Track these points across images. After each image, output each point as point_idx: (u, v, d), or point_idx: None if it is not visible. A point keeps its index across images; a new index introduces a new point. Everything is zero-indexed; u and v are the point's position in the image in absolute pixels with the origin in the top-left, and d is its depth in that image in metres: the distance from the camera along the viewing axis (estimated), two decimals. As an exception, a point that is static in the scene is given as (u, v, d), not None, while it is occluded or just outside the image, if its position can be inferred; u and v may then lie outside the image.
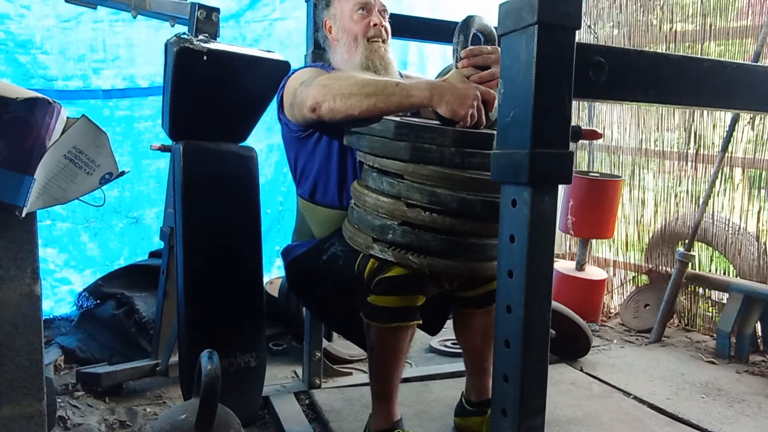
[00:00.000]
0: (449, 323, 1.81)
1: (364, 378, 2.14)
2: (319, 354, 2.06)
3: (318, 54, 1.88)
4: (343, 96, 1.42)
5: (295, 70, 1.72)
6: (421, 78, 1.94)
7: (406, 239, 1.39)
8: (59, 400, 1.90)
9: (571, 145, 0.93)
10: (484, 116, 1.41)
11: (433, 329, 1.82)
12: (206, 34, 1.85)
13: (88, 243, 2.73)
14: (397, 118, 1.47)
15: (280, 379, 2.22)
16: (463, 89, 1.38)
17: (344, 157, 1.69)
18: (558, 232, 3.16)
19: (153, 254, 2.66)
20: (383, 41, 1.72)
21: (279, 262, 3.08)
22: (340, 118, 1.45)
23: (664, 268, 3.06)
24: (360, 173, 1.61)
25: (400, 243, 1.40)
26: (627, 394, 2.11)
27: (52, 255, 2.64)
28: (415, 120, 1.55)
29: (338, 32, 1.73)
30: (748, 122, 2.73)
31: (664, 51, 2.73)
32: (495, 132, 1.37)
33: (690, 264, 2.77)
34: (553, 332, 2.31)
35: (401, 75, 1.83)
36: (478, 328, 1.67)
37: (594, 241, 3.27)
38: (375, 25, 1.70)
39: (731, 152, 2.73)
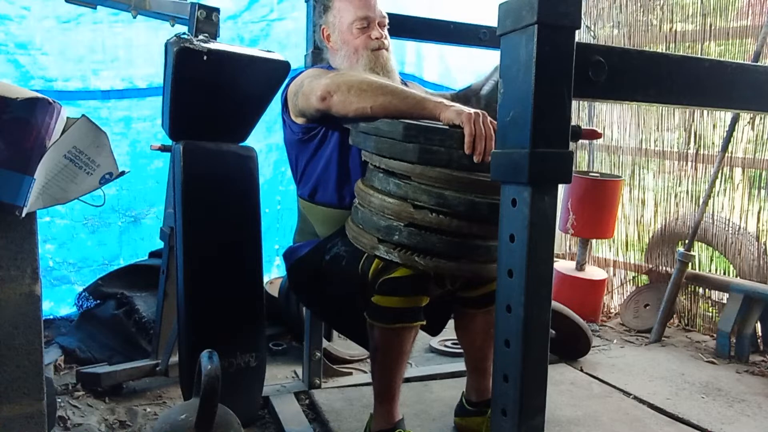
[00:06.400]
0: (449, 323, 1.81)
1: (364, 378, 2.14)
2: (319, 354, 2.06)
3: (318, 54, 1.88)
4: (360, 90, 1.41)
5: (299, 72, 1.71)
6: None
7: (412, 241, 1.39)
8: (59, 400, 1.90)
9: (571, 145, 0.93)
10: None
11: (434, 330, 1.82)
12: (206, 34, 1.84)
13: (86, 241, 2.73)
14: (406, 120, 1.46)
15: (280, 379, 2.22)
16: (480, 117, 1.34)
17: (346, 158, 1.68)
18: (558, 232, 3.16)
19: (153, 254, 2.66)
20: (386, 49, 1.72)
21: (279, 261, 3.08)
22: (352, 111, 1.44)
23: (664, 268, 3.06)
24: (363, 173, 1.61)
25: (406, 244, 1.40)
26: (627, 394, 2.11)
27: (51, 251, 2.65)
28: (423, 122, 1.55)
29: (337, 42, 1.72)
30: (748, 122, 2.73)
31: (664, 51, 2.74)
32: None
33: (690, 264, 2.77)
34: (553, 332, 2.31)
35: (404, 83, 1.83)
36: (479, 328, 1.67)
37: (594, 241, 3.27)
38: (376, 39, 1.69)
39: (731, 152, 2.73)
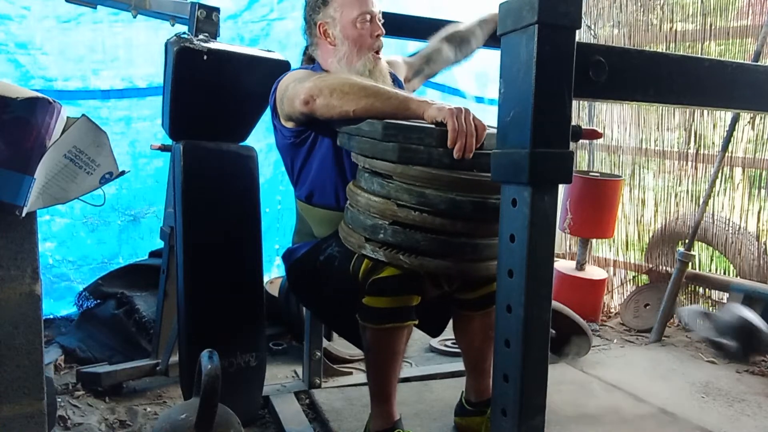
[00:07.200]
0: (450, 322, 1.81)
1: (365, 377, 2.13)
2: (319, 353, 2.06)
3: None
4: (342, 93, 1.41)
5: (283, 76, 1.71)
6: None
7: (396, 239, 1.39)
8: (59, 400, 1.90)
9: (571, 145, 0.93)
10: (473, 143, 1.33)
11: (435, 331, 1.82)
12: (206, 34, 1.84)
13: (86, 239, 2.74)
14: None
15: (280, 378, 2.22)
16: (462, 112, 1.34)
17: (339, 159, 1.68)
18: (558, 232, 3.16)
19: (153, 254, 2.66)
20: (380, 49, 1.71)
21: (279, 261, 3.08)
22: (336, 114, 1.44)
23: (664, 267, 3.06)
24: (356, 173, 1.60)
25: (391, 243, 1.40)
26: (627, 393, 2.10)
27: (50, 249, 2.65)
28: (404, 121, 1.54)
29: (337, 38, 1.68)
30: (748, 122, 2.73)
31: (664, 51, 2.73)
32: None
33: (690, 264, 2.77)
34: (553, 332, 2.31)
35: (394, 79, 1.82)
36: (477, 330, 1.67)
37: (594, 240, 3.27)
38: (378, 35, 1.68)
39: (731, 152, 2.73)
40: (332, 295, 1.63)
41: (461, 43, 2.03)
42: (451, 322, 1.77)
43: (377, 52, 1.69)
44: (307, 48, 1.80)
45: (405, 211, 1.37)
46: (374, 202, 1.42)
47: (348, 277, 1.50)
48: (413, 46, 3.28)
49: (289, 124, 1.67)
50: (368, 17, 1.67)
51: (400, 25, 1.95)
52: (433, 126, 1.36)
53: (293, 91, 1.52)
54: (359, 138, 1.44)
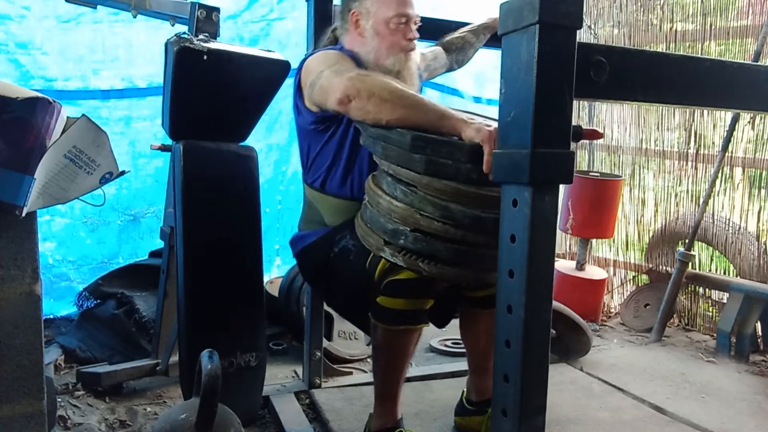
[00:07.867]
0: (454, 322, 1.81)
1: (365, 377, 2.14)
2: (319, 353, 2.06)
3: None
4: (381, 99, 1.37)
5: (312, 53, 1.67)
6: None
7: (417, 246, 1.38)
8: (59, 400, 1.90)
9: (572, 145, 0.93)
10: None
11: (440, 323, 1.81)
12: (206, 34, 1.84)
13: (86, 239, 2.74)
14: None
15: (280, 378, 2.22)
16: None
17: (357, 149, 1.65)
18: (558, 232, 3.15)
19: (153, 254, 2.66)
20: (413, 50, 1.69)
21: (279, 261, 3.09)
22: (369, 119, 1.40)
23: (664, 267, 3.06)
24: (375, 168, 1.58)
25: (411, 249, 1.39)
26: (627, 393, 2.10)
27: (50, 249, 2.66)
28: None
29: (367, 31, 1.66)
30: (749, 122, 2.73)
31: (664, 51, 2.73)
32: None
33: (690, 264, 2.77)
34: (553, 332, 2.31)
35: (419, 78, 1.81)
36: (482, 328, 1.67)
37: (594, 240, 3.27)
38: (410, 39, 1.66)
39: (731, 152, 2.73)
40: (344, 286, 1.63)
41: (457, 52, 2.05)
42: (456, 320, 1.77)
43: (408, 52, 1.67)
44: (335, 28, 1.77)
45: (428, 221, 1.36)
46: (396, 207, 1.41)
47: (363, 273, 1.50)
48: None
49: (314, 109, 1.63)
50: (404, 19, 1.64)
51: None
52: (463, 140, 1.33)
53: (328, 82, 1.48)
54: (385, 144, 1.41)
